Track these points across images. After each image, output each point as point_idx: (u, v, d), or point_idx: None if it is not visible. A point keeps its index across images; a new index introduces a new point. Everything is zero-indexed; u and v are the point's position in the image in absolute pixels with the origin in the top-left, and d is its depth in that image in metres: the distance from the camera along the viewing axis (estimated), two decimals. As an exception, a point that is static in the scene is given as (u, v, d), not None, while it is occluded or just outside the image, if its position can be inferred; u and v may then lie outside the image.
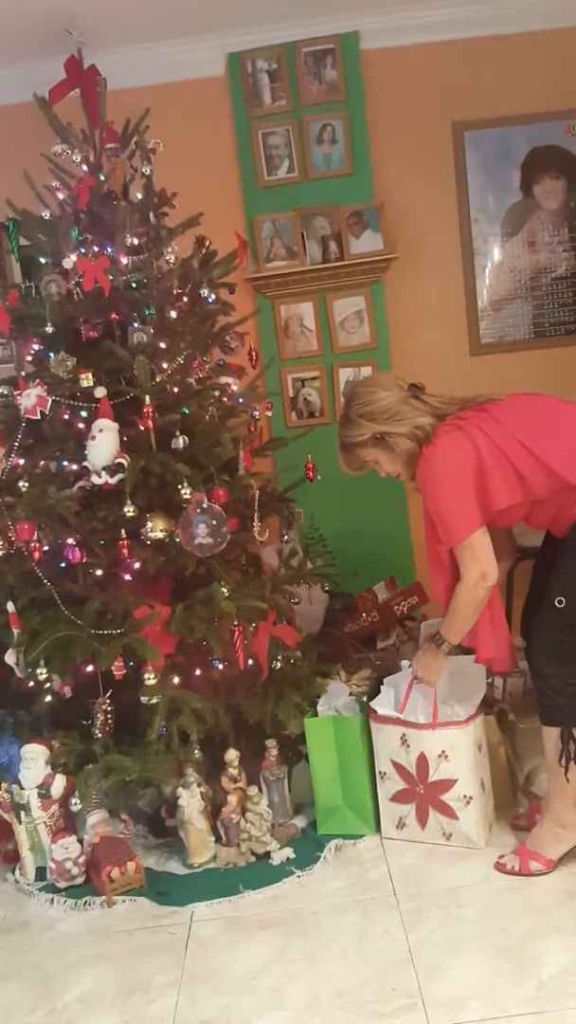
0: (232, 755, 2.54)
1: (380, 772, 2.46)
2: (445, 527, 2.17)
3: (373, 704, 2.47)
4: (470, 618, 2.21)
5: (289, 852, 2.44)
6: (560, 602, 2.10)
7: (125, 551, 2.47)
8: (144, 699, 2.38)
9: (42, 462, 2.62)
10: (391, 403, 2.23)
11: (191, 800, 2.44)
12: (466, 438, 2.14)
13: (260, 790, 2.53)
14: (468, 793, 2.34)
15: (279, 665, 2.68)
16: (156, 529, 2.49)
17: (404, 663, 2.53)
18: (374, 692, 2.71)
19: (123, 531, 2.48)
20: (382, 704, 2.46)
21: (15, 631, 2.47)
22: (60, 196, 2.79)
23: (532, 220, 3.79)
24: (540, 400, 2.24)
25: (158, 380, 2.58)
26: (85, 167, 2.79)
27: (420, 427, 2.20)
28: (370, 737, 2.52)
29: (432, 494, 2.18)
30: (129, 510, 2.45)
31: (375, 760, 2.48)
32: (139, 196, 2.80)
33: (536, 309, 3.81)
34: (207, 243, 2.95)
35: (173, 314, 2.76)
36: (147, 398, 2.51)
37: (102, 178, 2.78)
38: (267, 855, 2.44)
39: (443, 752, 2.35)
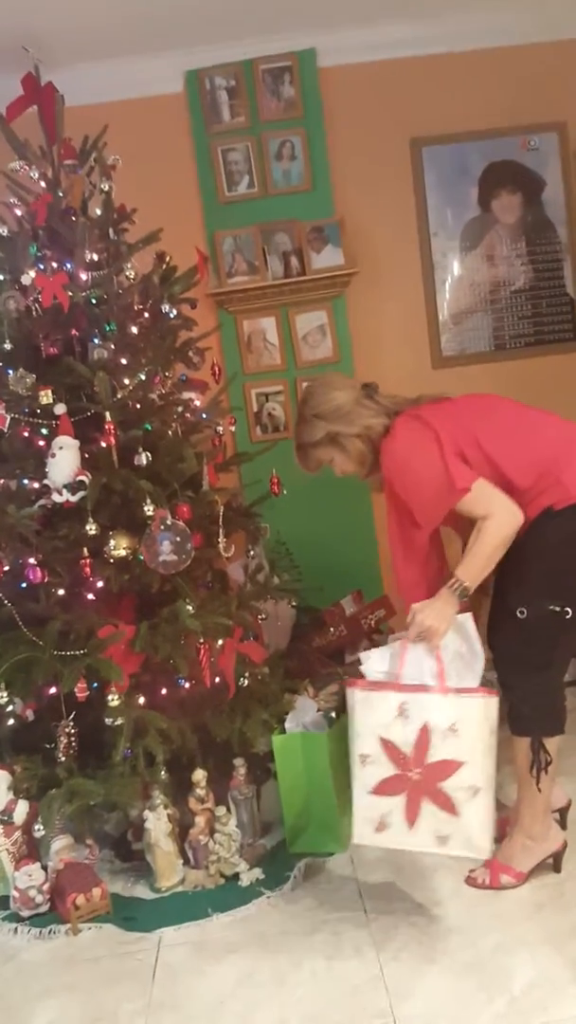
0: (199, 775, 2.51)
1: (361, 756, 2.01)
2: (438, 496, 2.09)
3: (362, 668, 2.12)
4: (493, 557, 2.05)
5: (258, 873, 2.41)
6: (521, 612, 2.09)
7: (88, 570, 2.44)
8: (108, 720, 2.35)
9: (1, 480, 2.58)
10: (344, 402, 2.26)
11: (158, 823, 2.40)
12: (424, 425, 2.15)
13: (228, 810, 2.50)
14: (476, 783, 1.95)
15: (246, 682, 2.66)
16: (119, 547, 2.46)
17: (392, 637, 2.33)
18: (343, 707, 2.70)
19: (85, 549, 2.45)
20: (374, 668, 2.09)
21: (-26, 654, 2.42)
22: (18, 212, 2.76)
23: (490, 234, 3.83)
24: (496, 401, 2.27)
25: (119, 396, 2.56)
26: (43, 183, 2.77)
27: (370, 427, 2.23)
28: (340, 743, 2.43)
29: (408, 478, 2.14)
30: (91, 528, 2.43)
31: (354, 742, 2.04)
32: (98, 212, 2.79)
33: (496, 322, 3.85)
34: (167, 259, 2.94)
35: (134, 330, 2.74)
36: (108, 414, 2.49)
37: (60, 194, 2.76)
38: (236, 876, 2.40)
39: (453, 725, 1.97)
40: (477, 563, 2.05)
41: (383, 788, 2.01)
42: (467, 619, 2.09)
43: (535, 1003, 1.75)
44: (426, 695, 2.00)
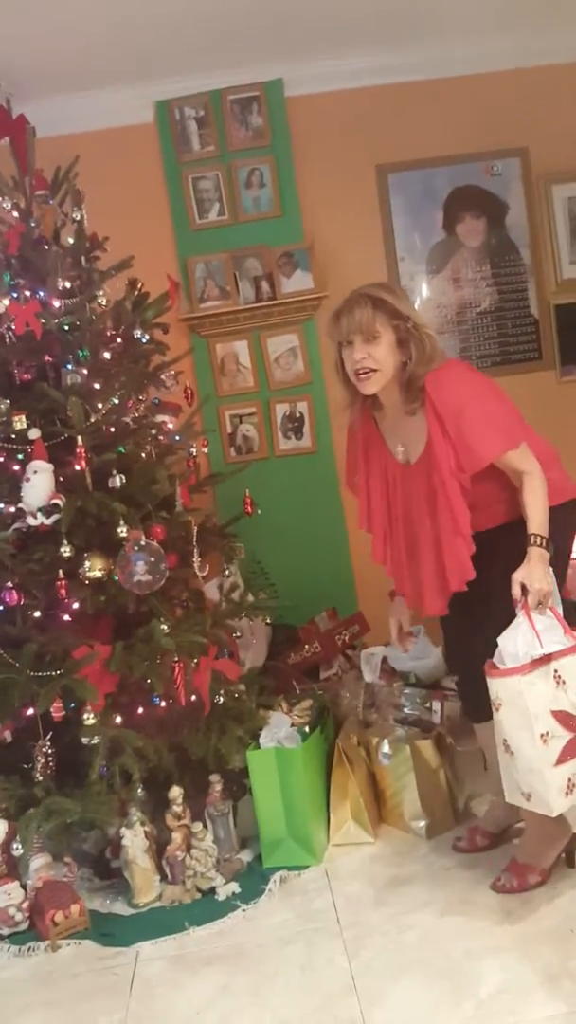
0: (176, 792, 2.54)
1: (541, 736, 1.99)
2: (497, 437, 2.08)
3: (506, 652, 2.06)
4: (547, 508, 2.10)
5: (235, 887, 2.45)
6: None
7: (63, 591, 2.48)
8: (85, 740, 2.38)
9: (-23, 505, 2.62)
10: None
11: (135, 840, 2.43)
12: (482, 375, 2.20)
13: (205, 826, 2.53)
14: None
15: (221, 699, 2.70)
16: (94, 568, 2.50)
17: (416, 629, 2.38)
18: (316, 722, 2.75)
19: (61, 571, 2.49)
20: (522, 650, 2.04)
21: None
22: (-9, 242, 2.82)
23: (456, 257, 3.93)
24: None
25: (93, 420, 2.61)
26: (16, 213, 2.82)
27: (435, 348, 2.16)
28: (329, 761, 2.51)
29: (472, 408, 2.09)
30: (66, 550, 2.47)
31: (532, 726, 1.99)
32: (70, 241, 2.86)
33: (463, 342, 3.94)
34: (140, 285, 3.01)
35: (107, 355, 2.80)
36: (81, 439, 2.54)
37: (32, 224, 2.82)
38: (213, 891, 2.44)
39: None
40: (542, 514, 2.09)
41: (565, 755, 2.02)
42: (550, 572, 2.12)
43: (503, 1007, 1.79)
44: (572, 655, 2.04)
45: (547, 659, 2.02)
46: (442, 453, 2.12)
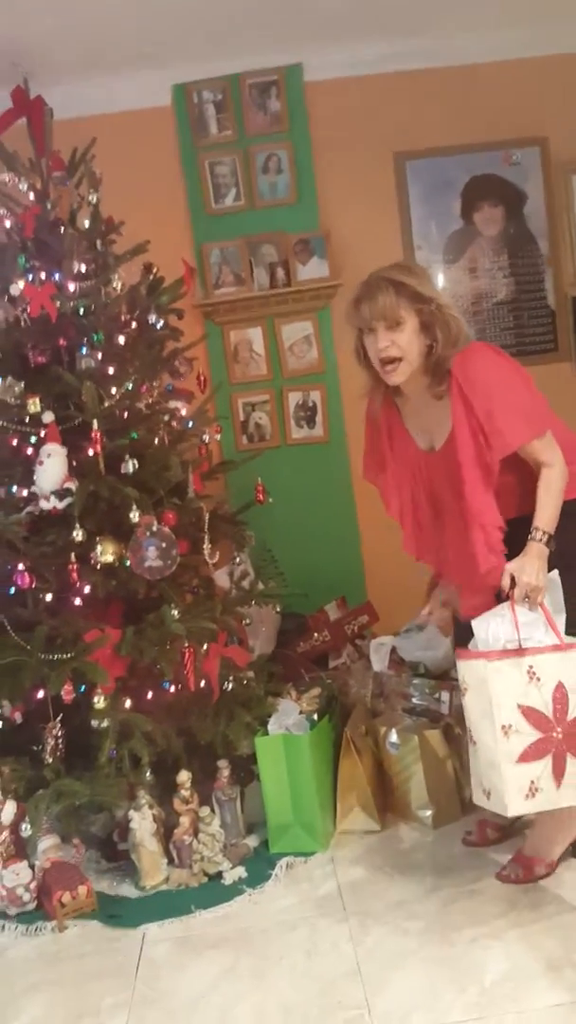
0: (184, 777, 2.56)
1: (503, 727, 1.96)
2: (523, 421, 2.04)
3: (479, 639, 2.06)
4: (560, 505, 2.08)
5: (241, 871, 2.46)
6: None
7: (75, 575, 2.49)
8: (94, 723, 2.40)
9: (-10, 488, 2.63)
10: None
11: (143, 823, 2.45)
12: (509, 358, 2.14)
13: (212, 811, 2.54)
14: None
15: (230, 686, 2.71)
16: (106, 553, 2.51)
17: (422, 613, 2.37)
18: (324, 711, 2.76)
19: (73, 555, 2.49)
20: (495, 636, 2.03)
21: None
22: (6, 224, 2.80)
23: (473, 247, 3.91)
24: None
25: (106, 405, 2.61)
26: (32, 195, 2.82)
27: (461, 330, 2.10)
28: (336, 749, 2.51)
29: (499, 391, 2.04)
30: (78, 534, 2.48)
31: (492, 714, 1.97)
32: (86, 224, 2.85)
33: (479, 334, 3.92)
34: (155, 270, 3.00)
35: (121, 340, 2.79)
36: (95, 423, 2.54)
37: (48, 206, 2.81)
38: (219, 875, 2.45)
39: None
40: (552, 510, 2.06)
41: (529, 754, 1.97)
42: (555, 574, 2.08)
43: (506, 994, 1.80)
44: (550, 654, 2.00)
45: (521, 652, 1.99)
46: (463, 436, 2.08)
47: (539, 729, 1.97)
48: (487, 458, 2.06)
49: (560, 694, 1.99)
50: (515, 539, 2.09)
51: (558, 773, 1.98)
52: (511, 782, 1.96)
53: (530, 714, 1.97)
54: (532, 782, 1.97)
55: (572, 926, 2.00)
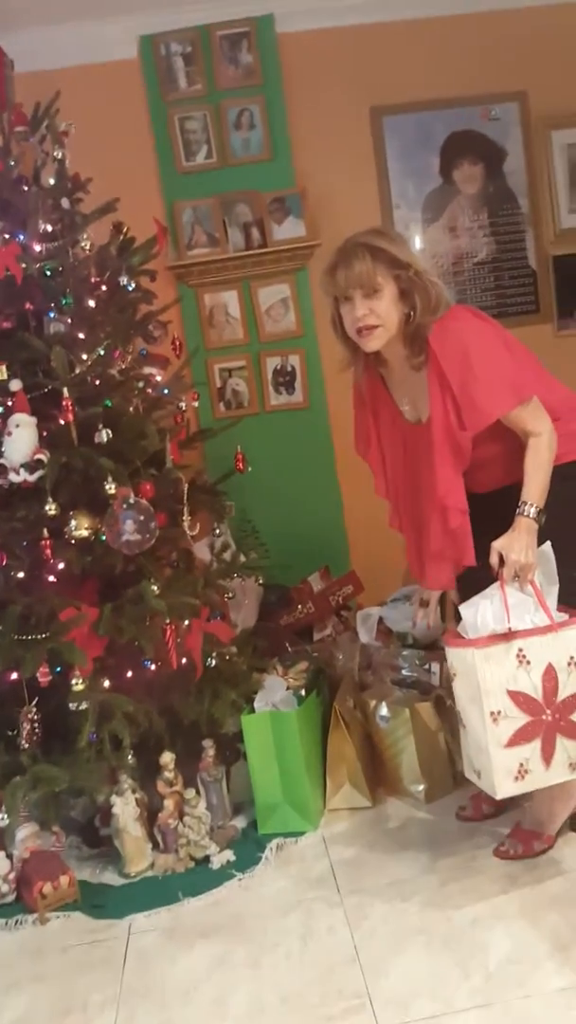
0: (167, 758, 2.46)
1: (491, 714, 1.92)
2: (502, 392, 1.94)
3: (467, 624, 1.98)
4: (548, 475, 1.99)
5: (229, 855, 2.37)
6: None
7: (48, 551, 2.37)
8: (72, 705, 2.29)
9: (-44, 461, 2.49)
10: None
11: (126, 807, 2.35)
12: (490, 322, 2.04)
13: (198, 793, 2.46)
14: None
15: (214, 662, 2.62)
16: (81, 527, 2.39)
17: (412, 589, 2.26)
18: (312, 685, 2.67)
19: (45, 530, 2.37)
20: (484, 622, 1.95)
21: None
22: (-34, 181, 2.65)
23: (452, 205, 3.79)
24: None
25: (77, 372, 2.48)
26: (-7, 151, 2.66)
27: (440, 296, 2.00)
28: (325, 724, 2.45)
29: (475, 363, 1.94)
30: (51, 508, 2.36)
31: (480, 701, 1.92)
32: (51, 181, 2.69)
33: (459, 294, 3.81)
34: (125, 229, 2.85)
35: (91, 303, 2.65)
36: (66, 390, 2.40)
37: (11, 163, 2.65)
38: (207, 859, 2.37)
39: (573, 657, 1.95)
40: (540, 481, 1.97)
41: (518, 738, 1.94)
42: (547, 546, 1.99)
43: (512, 978, 1.73)
44: (540, 636, 1.94)
45: (510, 636, 1.92)
46: (438, 410, 1.99)
47: (528, 713, 1.93)
48: (457, 437, 1.99)
49: (550, 676, 1.94)
50: (504, 510, 2.00)
51: (547, 754, 1.95)
52: (500, 766, 1.93)
53: (519, 698, 1.93)
54: (521, 764, 1.94)
55: (575, 902, 1.94)
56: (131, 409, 2.66)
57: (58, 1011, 1.86)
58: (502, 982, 1.73)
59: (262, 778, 2.49)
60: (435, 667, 2.74)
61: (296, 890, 2.19)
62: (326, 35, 3.65)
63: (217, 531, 3.06)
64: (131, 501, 2.38)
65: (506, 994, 1.69)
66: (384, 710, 2.61)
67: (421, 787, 2.54)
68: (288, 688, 2.59)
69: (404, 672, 2.79)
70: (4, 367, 2.42)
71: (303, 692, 2.59)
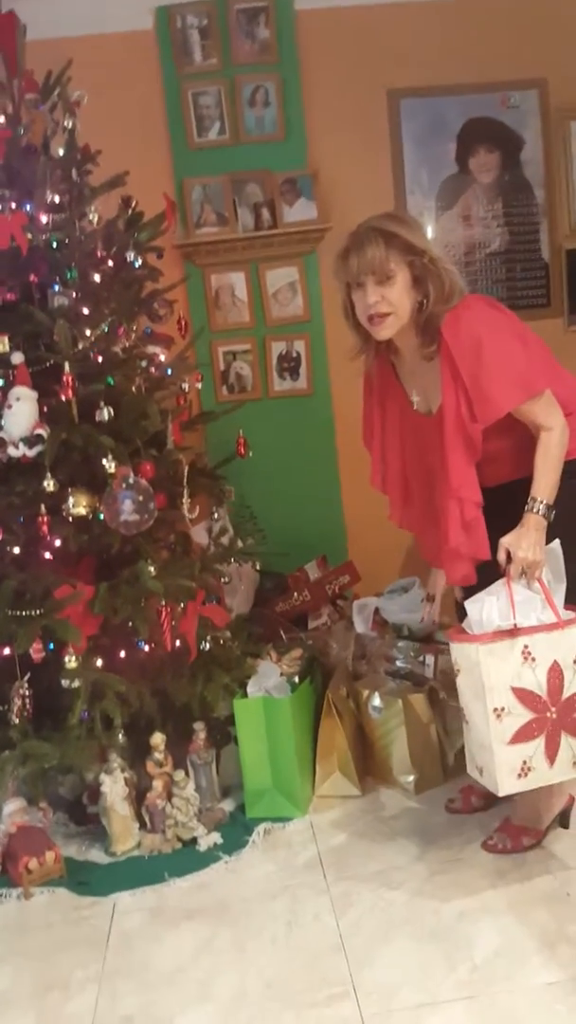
0: (158, 739, 2.45)
1: (495, 710, 1.89)
2: (514, 385, 1.90)
3: (472, 620, 1.96)
4: (559, 472, 1.95)
5: (216, 837, 2.37)
6: None
7: (45, 528, 2.34)
8: (65, 683, 2.27)
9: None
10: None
11: (114, 786, 2.35)
12: (505, 312, 2.00)
13: (187, 774, 2.45)
14: None
15: (208, 646, 2.60)
16: (79, 505, 2.37)
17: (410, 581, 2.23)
18: (306, 673, 2.66)
19: (43, 507, 2.34)
20: (489, 618, 1.93)
21: None
22: (-25, 148, 2.61)
23: (467, 194, 3.74)
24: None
25: (80, 347, 2.44)
26: (2, 118, 2.60)
27: (455, 284, 1.96)
28: (317, 712, 2.44)
29: (487, 355, 1.90)
30: (49, 485, 2.32)
31: (484, 697, 1.90)
32: (60, 151, 2.64)
33: (471, 285, 3.74)
34: (134, 204, 2.81)
35: (97, 278, 2.61)
36: (67, 365, 2.37)
37: (21, 131, 2.61)
38: (194, 841, 2.36)
39: None
40: (551, 477, 1.94)
41: (521, 735, 1.91)
42: (557, 544, 1.97)
43: (498, 972, 1.73)
44: (546, 633, 1.91)
45: (516, 632, 1.90)
46: (450, 402, 1.96)
47: (533, 710, 1.91)
48: (469, 430, 1.95)
49: (555, 673, 1.92)
50: (513, 505, 1.98)
51: (551, 752, 1.92)
52: (503, 763, 1.90)
53: (524, 695, 1.90)
54: (524, 762, 1.92)
55: (563, 900, 1.93)
56: (133, 388, 2.62)
57: (40, 987, 1.85)
58: (488, 975, 1.72)
59: (252, 762, 2.48)
60: (429, 659, 2.73)
61: (283, 875, 2.19)
62: (345, 14, 3.58)
63: (216, 515, 3.03)
64: (130, 481, 2.36)
65: (492, 987, 1.68)
66: (377, 700, 2.60)
67: (411, 778, 2.53)
68: (282, 675, 2.57)
69: (398, 663, 2.78)
70: (6, 339, 2.38)
71: (296, 679, 2.58)
